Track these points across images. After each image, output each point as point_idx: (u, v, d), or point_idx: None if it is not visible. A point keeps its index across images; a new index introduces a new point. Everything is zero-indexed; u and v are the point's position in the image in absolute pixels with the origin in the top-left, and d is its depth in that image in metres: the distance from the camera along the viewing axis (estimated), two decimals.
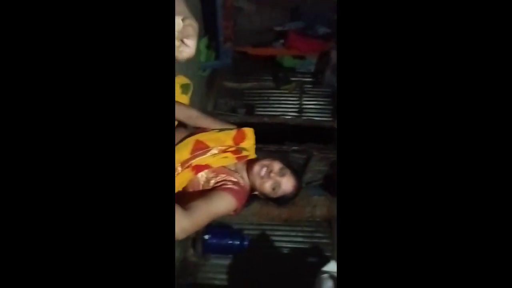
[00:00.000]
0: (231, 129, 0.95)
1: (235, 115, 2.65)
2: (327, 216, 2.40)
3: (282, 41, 2.71)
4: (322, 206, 2.45)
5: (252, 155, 0.98)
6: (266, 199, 0.93)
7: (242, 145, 0.95)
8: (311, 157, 2.07)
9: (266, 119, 2.66)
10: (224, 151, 0.89)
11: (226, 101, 2.86)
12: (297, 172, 0.93)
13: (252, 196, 0.93)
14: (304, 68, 2.89)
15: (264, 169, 0.87)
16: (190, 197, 0.82)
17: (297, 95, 2.95)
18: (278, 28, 2.67)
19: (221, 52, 2.28)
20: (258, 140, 1.03)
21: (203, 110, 2.17)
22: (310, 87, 2.96)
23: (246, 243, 2.12)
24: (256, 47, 2.69)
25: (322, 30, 2.52)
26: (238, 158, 0.92)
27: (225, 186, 0.83)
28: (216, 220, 0.93)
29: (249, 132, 0.96)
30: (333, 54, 2.50)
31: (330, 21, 2.48)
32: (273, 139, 2.19)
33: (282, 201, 0.93)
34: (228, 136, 0.91)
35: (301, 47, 2.67)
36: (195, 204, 0.75)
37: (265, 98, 2.94)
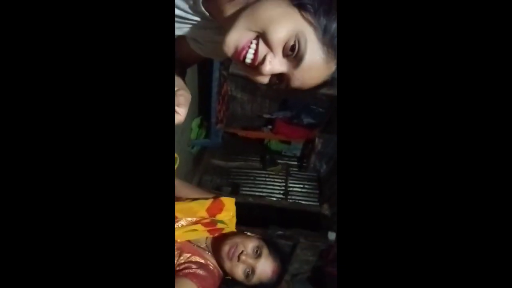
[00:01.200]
0: (207, 198, 0.87)
1: (219, 193, 2.57)
2: None
3: (270, 126, 2.91)
4: None
5: (231, 228, 0.86)
6: (243, 287, 0.76)
7: (219, 217, 0.84)
8: (297, 244, 1.90)
9: (251, 199, 2.57)
10: (194, 223, 0.79)
11: (212, 178, 2.83)
12: (279, 251, 0.77)
13: (228, 282, 0.77)
14: (290, 152, 3.02)
15: (234, 249, 0.72)
16: None
17: (283, 177, 2.97)
18: (267, 116, 2.92)
19: (212, 131, 2.39)
20: (241, 222, 0.91)
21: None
22: (296, 171, 3.02)
23: None
24: (246, 129, 2.86)
25: (307, 120, 2.77)
26: (211, 232, 0.80)
27: (187, 270, 0.68)
28: None
29: (228, 202, 0.86)
30: (318, 142, 2.66)
31: (315, 113, 2.75)
32: (258, 221, 2.05)
33: None
34: (201, 207, 0.82)
35: (288, 133, 2.86)
36: None
37: (252, 178, 2.93)
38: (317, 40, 0.39)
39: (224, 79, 2.39)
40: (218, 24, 0.49)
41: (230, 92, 2.72)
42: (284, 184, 2.92)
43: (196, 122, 2.49)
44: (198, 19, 0.49)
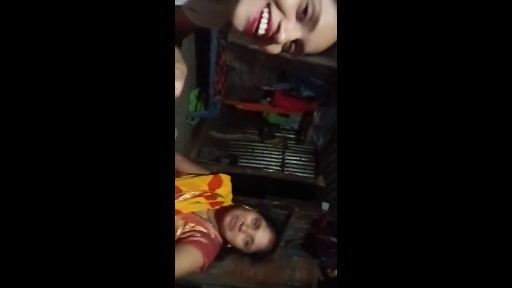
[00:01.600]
0: (207, 174, 0.92)
1: (218, 164, 2.63)
2: (307, 281, 2.20)
3: (268, 99, 2.89)
4: (302, 268, 2.27)
5: (227, 202, 0.93)
6: (241, 254, 0.84)
7: (218, 191, 0.91)
8: (292, 213, 2.00)
9: (248, 171, 2.65)
10: (198, 196, 0.84)
11: (210, 150, 2.87)
12: (274, 224, 0.85)
13: (226, 250, 0.84)
14: (288, 125, 3.03)
15: (235, 220, 0.79)
16: None
17: (281, 150, 3.02)
18: (265, 87, 2.88)
19: (210, 103, 2.38)
20: (239, 192, 0.97)
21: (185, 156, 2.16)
22: (293, 143, 3.06)
23: None
24: (244, 102, 2.84)
25: (306, 92, 2.74)
26: (212, 204, 0.87)
27: (192, 238, 0.75)
28: (181, 279, 0.81)
29: (225, 178, 0.93)
30: (316, 115, 2.67)
31: (314, 86, 2.72)
32: (255, 192, 2.14)
33: (256, 257, 0.84)
34: (203, 181, 0.88)
35: (286, 106, 2.85)
36: None
37: (249, 150, 2.98)
38: None
39: (223, 48, 2.31)
40: None
41: (228, 63, 2.65)
42: (281, 156, 2.98)
43: (194, 93, 2.46)
44: None
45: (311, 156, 2.95)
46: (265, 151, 3.00)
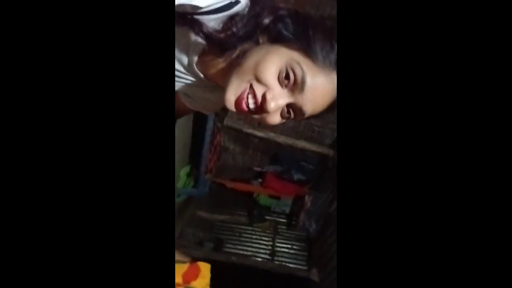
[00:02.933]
0: (184, 262, 0.79)
1: (200, 248, 2.37)
2: None
3: (260, 180, 2.87)
4: None
5: None
6: None
7: (193, 284, 0.77)
8: None
9: (234, 258, 2.37)
10: None
11: (194, 232, 2.64)
12: None
13: None
14: (279, 208, 2.92)
15: None
16: None
17: (271, 235, 2.80)
18: (257, 169, 2.90)
19: (200, 181, 2.33)
20: (220, 285, 0.84)
21: None
22: (284, 229, 2.86)
23: None
24: (235, 181, 2.80)
25: (297, 176, 2.75)
26: None
27: None
28: None
29: (204, 268, 0.80)
30: (307, 199, 2.61)
31: (305, 170, 2.76)
32: (240, 285, 1.85)
33: None
34: (177, 271, 0.75)
35: (277, 188, 2.81)
36: None
37: (237, 234, 2.75)
38: (311, 59, 0.40)
39: (218, 130, 2.44)
40: (212, 84, 0.50)
41: (223, 143, 2.74)
42: (271, 243, 2.74)
43: (185, 170, 2.44)
44: (192, 79, 0.50)
45: (303, 244, 2.72)
46: (253, 236, 2.77)
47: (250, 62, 0.41)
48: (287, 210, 2.91)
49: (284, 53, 0.41)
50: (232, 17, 0.43)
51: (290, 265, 2.56)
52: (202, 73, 0.48)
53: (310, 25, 0.42)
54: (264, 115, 0.43)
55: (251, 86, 0.42)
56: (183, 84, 0.52)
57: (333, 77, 0.41)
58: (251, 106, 0.42)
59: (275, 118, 0.44)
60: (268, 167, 2.85)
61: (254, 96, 0.41)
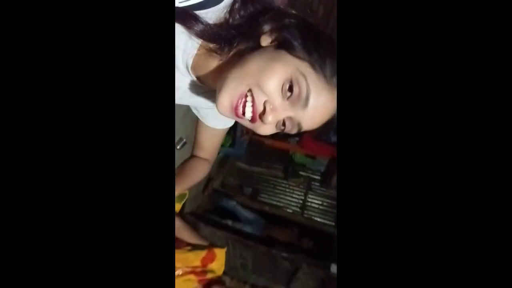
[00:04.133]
0: (203, 247, 0.98)
1: (240, 193, 2.70)
2: None
3: (297, 139, 2.89)
4: None
5: (219, 273, 0.98)
6: None
7: (210, 266, 0.96)
8: (299, 268, 1.96)
9: (267, 208, 2.66)
10: (189, 273, 0.91)
11: (234, 179, 2.96)
12: None
13: None
14: (314, 166, 2.99)
15: None
16: None
17: (303, 190, 2.97)
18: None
19: (237, 142, 2.47)
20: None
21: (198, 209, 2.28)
22: (318, 186, 2.99)
23: None
24: (273, 139, 2.89)
25: (334, 138, 2.69)
26: (200, 281, 0.93)
27: None
28: None
29: (219, 253, 0.98)
30: None
31: None
32: (267, 239, 2.15)
33: None
34: (197, 257, 0.94)
35: (314, 148, 2.82)
36: None
37: (272, 186, 3.00)
38: (316, 73, 0.37)
39: None
40: (208, 89, 0.48)
41: None
42: (303, 197, 2.94)
43: None
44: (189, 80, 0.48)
45: (334, 202, 2.85)
46: (287, 189, 2.98)
47: (252, 65, 0.38)
48: (322, 169, 2.97)
49: (290, 63, 0.37)
50: (227, 11, 0.40)
51: (318, 219, 2.77)
52: (196, 77, 0.45)
53: (319, 38, 0.39)
54: (257, 124, 0.39)
55: (250, 91, 0.38)
56: (184, 91, 0.49)
57: (335, 95, 0.38)
58: (248, 114, 0.38)
59: (268, 129, 0.40)
60: None
61: (253, 104, 0.38)
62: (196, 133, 0.62)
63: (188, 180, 0.61)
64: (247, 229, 2.27)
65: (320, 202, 2.91)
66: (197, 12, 0.39)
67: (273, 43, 0.39)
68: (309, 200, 2.92)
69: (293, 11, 0.41)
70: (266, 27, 0.39)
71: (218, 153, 2.57)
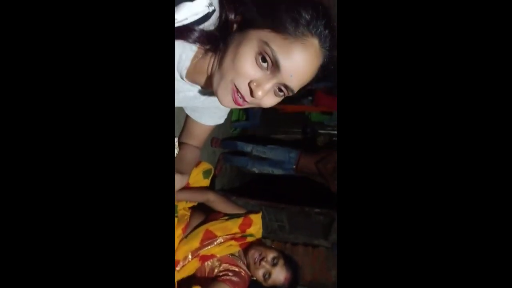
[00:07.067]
0: (239, 215, 1.05)
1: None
2: None
3: (310, 98, 2.83)
4: None
5: (258, 236, 1.06)
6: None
7: (248, 231, 1.04)
8: (334, 220, 2.04)
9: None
10: (230, 239, 0.99)
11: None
12: (292, 264, 0.98)
13: (253, 283, 0.99)
14: (332, 122, 2.95)
15: (257, 254, 0.95)
16: (196, 283, 0.92)
17: (325, 148, 2.97)
18: (307, 87, 2.82)
19: (250, 113, 2.48)
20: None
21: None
22: None
23: None
24: (286, 103, 2.85)
25: None
26: (241, 245, 1.01)
27: (225, 277, 0.92)
28: None
29: (255, 218, 1.06)
30: None
31: None
32: (298, 198, 2.22)
33: None
34: (235, 224, 1.02)
35: (329, 104, 2.75)
36: None
37: (292, 145, 3.01)
38: (280, 36, 0.38)
39: None
40: (204, 90, 0.53)
41: None
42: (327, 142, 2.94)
43: None
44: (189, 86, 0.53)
45: None
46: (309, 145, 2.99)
47: (227, 59, 0.41)
48: None
49: (253, 37, 0.39)
50: (216, 24, 0.44)
51: None
52: (193, 82, 0.50)
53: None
54: (258, 101, 0.43)
55: (235, 84, 0.41)
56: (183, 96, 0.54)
57: (312, 43, 0.39)
58: (246, 100, 0.42)
59: (270, 100, 0.44)
60: (317, 84, 2.72)
61: (239, 92, 0.41)
62: (187, 126, 0.66)
63: (188, 167, 0.64)
64: (275, 161, 2.11)
65: None
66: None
67: (238, 27, 0.42)
68: None
69: None
70: (232, 15, 0.41)
71: (234, 130, 2.55)
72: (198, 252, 0.95)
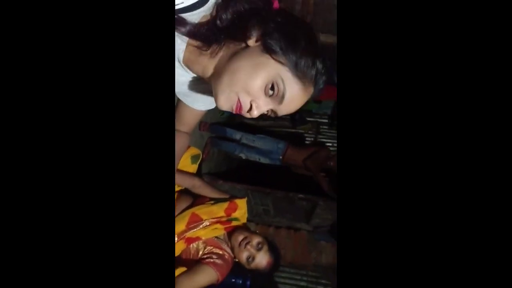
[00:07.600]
0: (225, 200, 1.07)
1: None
2: (332, 264, 2.38)
3: None
4: (328, 253, 2.44)
5: (243, 220, 1.09)
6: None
7: (234, 215, 1.07)
8: (317, 205, 2.11)
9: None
10: (215, 223, 1.02)
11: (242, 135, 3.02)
12: (276, 251, 1.02)
13: (236, 265, 1.03)
14: (321, 110, 2.98)
15: (242, 237, 0.98)
16: (181, 264, 0.95)
17: (313, 135, 3.02)
18: None
19: None
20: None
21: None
22: (326, 129, 3.02)
23: (248, 282, 2.17)
24: None
25: None
26: (226, 228, 1.04)
27: (209, 260, 0.95)
28: None
29: (240, 202, 1.08)
30: None
31: None
32: (282, 183, 2.27)
33: (256, 274, 1.02)
34: (220, 208, 1.04)
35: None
36: (179, 279, 0.88)
37: (280, 136, 3.05)
38: (292, 75, 0.45)
39: None
40: (201, 80, 0.55)
41: None
42: (313, 140, 3.00)
43: None
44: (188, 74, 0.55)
45: None
46: (296, 137, 3.03)
47: (240, 73, 0.45)
48: (329, 111, 2.96)
49: (272, 68, 0.45)
50: (212, 13, 0.46)
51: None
52: (189, 69, 0.52)
53: (298, 39, 0.45)
54: (247, 114, 0.50)
55: (240, 97, 0.46)
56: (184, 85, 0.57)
57: (310, 88, 0.47)
58: (241, 111, 0.48)
59: (254, 115, 0.50)
60: None
61: (241, 108, 0.47)
62: (178, 112, 0.68)
63: (178, 153, 0.67)
64: (262, 150, 2.12)
65: (330, 144, 2.97)
66: (183, 15, 0.45)
67: (258, 43, 0.46)
68: (320, 142, 2.98)
69: (271, 11, 0.46)
70: (253, 32, 0.45)
71: (222, 114, 2.52)
72: (184, 235, 0.97)
